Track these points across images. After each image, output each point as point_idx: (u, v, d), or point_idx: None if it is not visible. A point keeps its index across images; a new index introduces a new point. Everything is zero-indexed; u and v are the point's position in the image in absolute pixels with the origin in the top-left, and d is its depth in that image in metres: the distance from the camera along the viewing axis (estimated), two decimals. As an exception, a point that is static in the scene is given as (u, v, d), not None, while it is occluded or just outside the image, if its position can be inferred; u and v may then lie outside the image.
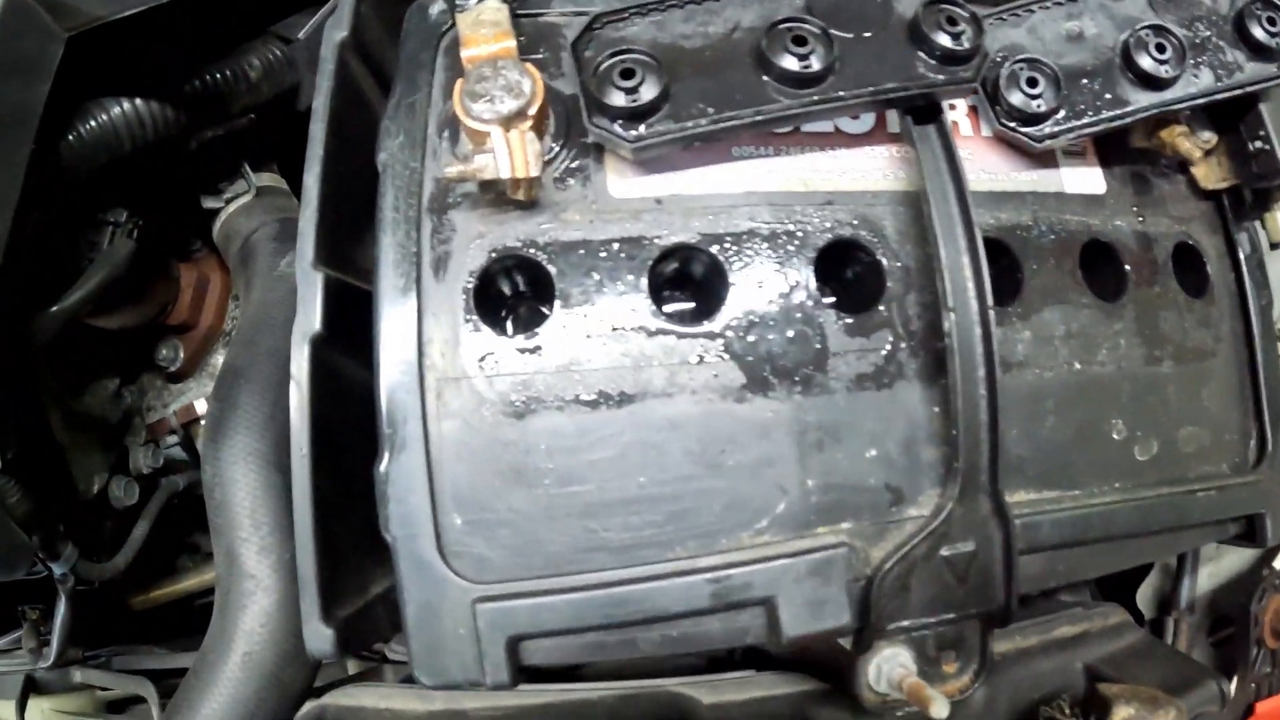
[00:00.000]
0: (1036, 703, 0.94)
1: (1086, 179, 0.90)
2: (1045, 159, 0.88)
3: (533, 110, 0.73)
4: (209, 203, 1.16)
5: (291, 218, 1.14)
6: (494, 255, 0.76)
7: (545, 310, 0.78)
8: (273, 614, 0.92)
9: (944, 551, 0.78)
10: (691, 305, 0.82)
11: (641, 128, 0.74)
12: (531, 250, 0.76)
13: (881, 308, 0.79)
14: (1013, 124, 0.84)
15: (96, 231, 1.02)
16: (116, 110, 0.94)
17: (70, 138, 0.92)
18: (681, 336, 0.76)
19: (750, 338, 0.76)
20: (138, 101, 0.94)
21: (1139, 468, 0.87)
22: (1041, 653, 0.95)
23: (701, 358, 0.76)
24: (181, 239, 1.23)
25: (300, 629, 0.76)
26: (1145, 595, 1.11)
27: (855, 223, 0.80)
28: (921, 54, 0.80)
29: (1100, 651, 0.97)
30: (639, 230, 0.77)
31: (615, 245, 0.77)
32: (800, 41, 0.76)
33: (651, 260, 0.76)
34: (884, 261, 0.79)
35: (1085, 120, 0.85)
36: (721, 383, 0.76)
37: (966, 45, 0.79)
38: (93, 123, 0.93)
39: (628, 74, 0.75)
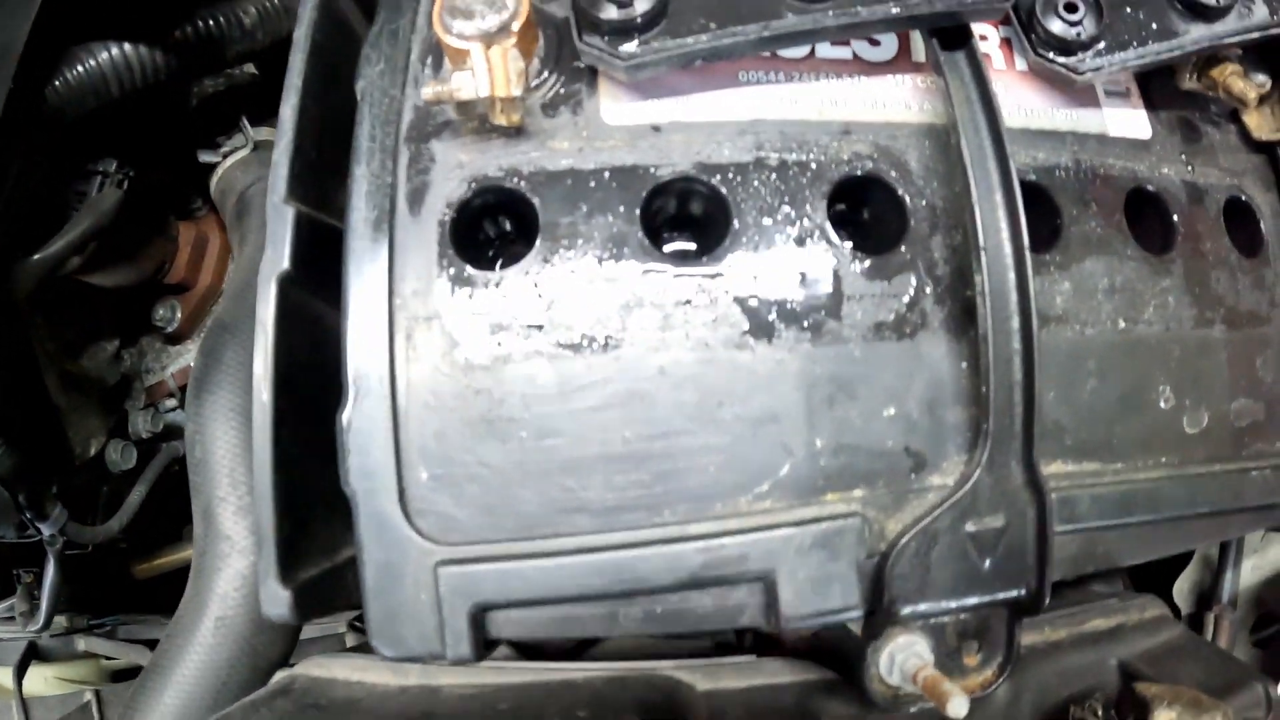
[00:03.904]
0: (1066, 702, 0.77)
1: (1131, 121, 0.74)
2: (1086, 97, 0.73)
3: (516, 25, 0.60)
4: (206, 157, 1.05)
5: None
6: (473, 186, 0.63)
7: (529, 249, 0.65)
8: (248, 577, 0.80)
9: (969, 526, 0.62)
10: (691, 246, 0.68)
11: (635, 44, 0.61)
12: (515, 180, 0.63)
13: (904, 249, 0.64)
14: (1050, 54, 0.69)
15: (84, 181, 0.91)
16: (104, 55, 0.83)
17: (55, 82, 0.82)
18: (677, 275, 0.62)
19: (755, 277, 0.62)
20: (126, 46, 0.83)
21: (1188, 441, 0.70)
22: (1072, 647, 0.78)
23: (699, 299, 0.62)
24: (180, 196, 1.12)
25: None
26: (1183, 589, 0.93)
27: (875, 155, 0.65)
28: (950, -28, 0.66)
29: (1137, 647, 0.80)
30: (634, 159, 0.63)
31: (606, 174, 0.63)
32: (815, -48, 0.63)
33: (646, 191, 0.63)
34: (907, 199, 0.65)
35: (1130, 52, 0.70)
36: (721, 327, 0.61)
37: (1001, -38, 0.65)
38: (79, 67, 0.83)
39: (622, -16, 0.62)
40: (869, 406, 0.62)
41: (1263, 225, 0.78)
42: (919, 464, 0.63)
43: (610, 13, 0.61)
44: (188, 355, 1.11)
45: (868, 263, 0.63)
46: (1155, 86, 0.75)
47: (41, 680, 1.18)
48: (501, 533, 0.60)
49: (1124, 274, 0.69)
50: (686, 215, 0.67)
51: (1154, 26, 0.70)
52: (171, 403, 1.12)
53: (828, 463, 0.62)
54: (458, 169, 0.64)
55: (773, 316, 0.62)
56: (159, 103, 0.88)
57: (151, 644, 1.20)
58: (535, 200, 0.62)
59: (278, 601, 0.64)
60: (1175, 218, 0.72)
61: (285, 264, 0.65)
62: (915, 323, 0.63)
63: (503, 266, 0.68)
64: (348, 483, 0.61)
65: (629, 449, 0.61)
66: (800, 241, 0.63)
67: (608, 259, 0.62)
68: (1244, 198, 0.77)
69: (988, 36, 0.72)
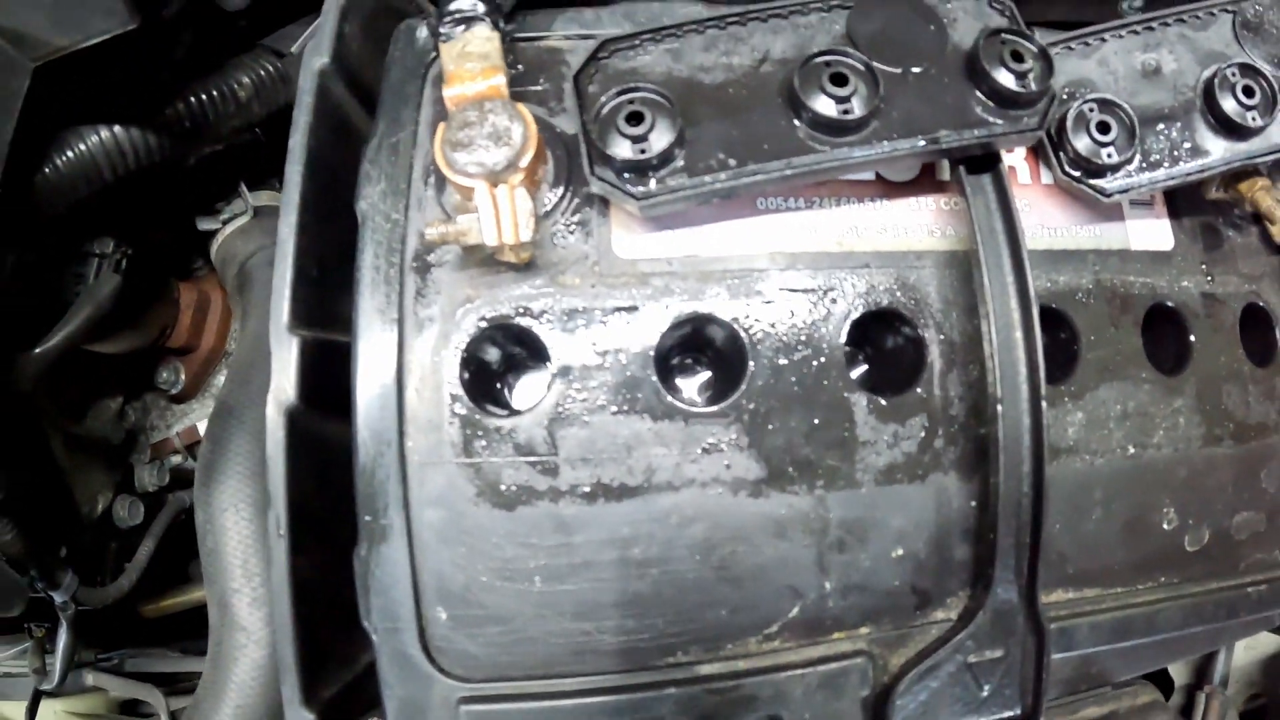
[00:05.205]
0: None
1: (1154, 233, 0.71)
2: (1111, 210, 0.69)
3: (524, 162, 0.56)
4: (205, 224, 1.00)
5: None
6: (483, 325, 0.60)
7: (540, 382, 0.63)
8: (265, 667, 0.80)
9: (970, 659, 0.63)
10: (707, 375, 0.66)
11: (651, 183, 0.57)
12: (525, 319, 0.60)
13: (919, 389, 0.62)
14: (1078, 174, 0.66)
15: (81, 264, 0.87)
16: (95, 139, 0.77)
17: (46, 170, 0.76)
18: (691, 420, 0.60)
19: (770, 424, 0.60)
20: (116, 129, 0.78)
21: (1187, 560, 0.70)
22: (1065, 734, 0.81)
23: (714, 446, 0.60)
24: (181, 257, 1.08)
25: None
26: (1178, 663, 0.96)
27: (895, 289, 0.62)
28: (980, 93, 0.61)
29: (1126, 732, 0.83)
30: (647, 297, 0.60)
31: (620, 314, 0.60)
32: (840, 80, 0.58)
33: (661, 332, 0.60)
34: (925, 335, 0.63)
35: (1160, 172, 0.66)
36: (735, 474, 0.60)
37: (1034, 86, 0.60)
38: (69, 153, 0.77)
39: (635, 119, 0.57)
40: (878, 549, 0.62)
41: (1277, 331, 0.76)
42: (923, 601, 0.63)
43: (624, 149, 0.57)
44: (193, 415, 1.08)
45: (883, 404, 0.61)
46: (1180, 193, 0.72)
47: (51, 715, 1.20)
48: (521, 671, 0.61)
49: (1137, 399, 0.68)
50: (701, 341, 0.65)
51: (1186, 146, 0.66)
52: (177, 458, 1.10)
53: (836, 604, 0.62)
54: (466, 304, 0.61)
55: (787, 462, 0.60)
56: (151, 177, 0.83)
57: (158, 678, 1.21)
58: (548, 342, 0.60)
59: (303, 725, 0.64)
60: (1192, 337, 0.70)
61: (293, 396, 0.63)
62: (927, 464, 0.62)
63: (510, 395, 0.66)
64: (369, 620, 0.61)
65: (642, 592, 0.60)
66: (817, 383, 0.61)
67: (622, 404, 0.59)
68: (1261, 304, 0.75)
69: (1013, 149, 0.68)
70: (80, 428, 1.03)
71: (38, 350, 0.81)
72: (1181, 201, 0.72)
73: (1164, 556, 0.69)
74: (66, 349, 0.83)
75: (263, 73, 0.87)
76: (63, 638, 0.98)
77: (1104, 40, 0.68)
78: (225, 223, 1.01)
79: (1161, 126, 0.66)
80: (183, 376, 1.07)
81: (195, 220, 1.01)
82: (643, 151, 0.56)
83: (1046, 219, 0.68)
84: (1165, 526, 0.69)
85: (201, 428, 1.08)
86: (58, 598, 0.93)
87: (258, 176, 1.02)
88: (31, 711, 1.10)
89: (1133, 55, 0.68)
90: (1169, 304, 0.70)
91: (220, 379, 1.08)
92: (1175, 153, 0.66)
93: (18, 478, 0.86)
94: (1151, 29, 0.68)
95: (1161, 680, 0.92)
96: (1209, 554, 0.70)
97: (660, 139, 0.56)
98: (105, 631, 1.16)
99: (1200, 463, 0.70)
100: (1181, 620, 0.69)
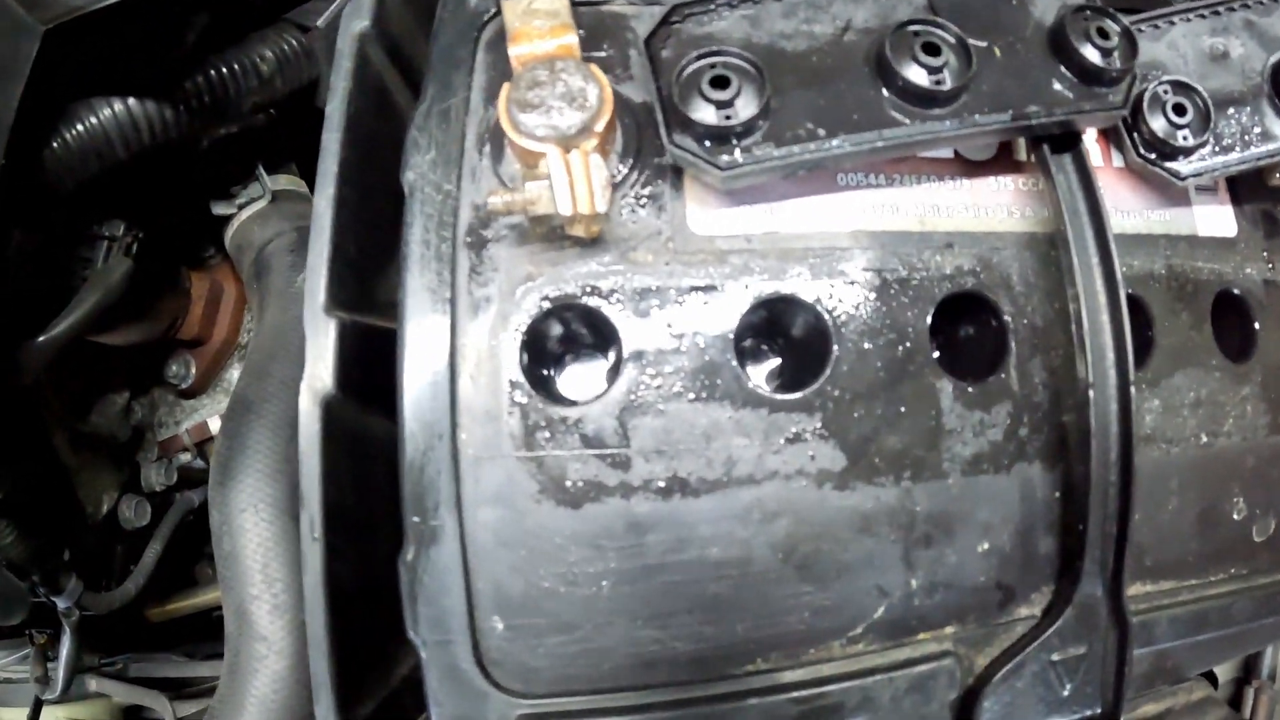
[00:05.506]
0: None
1: (1219, 219, 0.67)
2: (1178, 195, 0.65)
3: (599, 126, 0.50)
4: (220, 209, 0.90)
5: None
6: (546, 304, 0.53)
7: (608, 368, 0.56)
8: (286, 679, 0.71)
9: (1054, 656, 0.58)
10: (776, 363, 0.60)
11: (736, 151, 0.51)
12: (593, 299, 0.53)
13: (1003, 375, 0.57)
14: (1153, 156, 0.61)
15: (90, 248, 0.77)
16: (107, 112, 0.68)
17: (54, 145, 0.67)
18: (774, 409, 0.54)
19: (855, 413, 0.54)
20: (131, 102, 0.68)
21: (1255, 550, 0.67)
22: (1123, 731, 0.76)
23: (797, 435, 0.54)
24: (193, 244, 0.98)
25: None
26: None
27: (978, 270, 0.57)
28: (1065, 70, 0.56)
29: (1182, 729, 0.78)
30: (726, 276, 0.54)
31: (697, 295, 0.54)
32: (932, 50, 0.53)
33: (741, 314, 0.54)
34: (1009, 319, 0.57)
35: (1233, 155, 0.62)
36: (820, 466, 0.54)
37: (1118, 63, 0.56)
38: (80, 127, 0.68)
39: (720, 83, 0.51)
40: (965, 543, 0.56)
41: (1332, 321, 0.72)
42: (1008, 597, 0.58)
43: (708, 115, 0.51)
44: (203, 410, 0.98)
45: (969, 391, 0.56)
46: (1242, 180, 0.68)
47: None
48: (586, 685, 0.53)
49: (1209, 386, 0.64)
50: (772, 330, 0.58)
51: (1256, 131, 0.63)
52: (186, 456, 1.00)
53: (921, 602, 0.56)
54: (527, 283, 0.54)
55: (872, 452, 0.54)
56: (165, 155, 0.73)
57: (164, 683, 1.10)
58: (619, 324, 0.53)
59: (338, 748, 0.56)
60: (1257, 324, 0.66)
61: (330, 384, 0.55)
62: (1013, 453, 0.57)
63: (574, 384, 0.59)
64: (416, 631, 0.53)
65: (718, 595, 0.54)
66: (903, 369, 0.55)
67: (700, 391, 0.53)
68: (1315, 293, 0.72)
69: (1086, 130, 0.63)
70: (85, 424, 0.93)
71: (42, 339, 0.71)
72: (1243, 189, 0.69)
73: (1234, 547, 0.65)
74: (72, 337, 0.73)
75: (286, 47, 0.79)
76: (66, 645, 0.87)
77: (1172, 24, 0.64)
78: (241, 207, 0.91)
79: (1232, 111, 0.63)
80: (193, 370, 0.96)
81: (210, 205, 0.91)
82: (728, 118, 0.50)
83: (1119, 202, 0.63)
84: (1235, 517, 0.65)
85: (213, 424, 0.98)
86: (61, 603, 0.83)
87: (275, 160, 0.93)
88: (34, 717, 0.98)
89: (1201, 39, 0.64)
90: (1235, 291, 0.66)
91: (232, 373, 0.98)
92: (1246, 137, 0.62)
93: (19, 476, 0.76)
94: (1218, 14, 0.65)
95: (1206, 675, 0.88)
96: (1275, 544, 0.67)
97: (747, 106, 0.50)
98: (109, 636, 1.04)
99: (1266, 451, 0.66)
100: (1253, 612, 0.65)
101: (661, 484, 0.53)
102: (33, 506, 0.78)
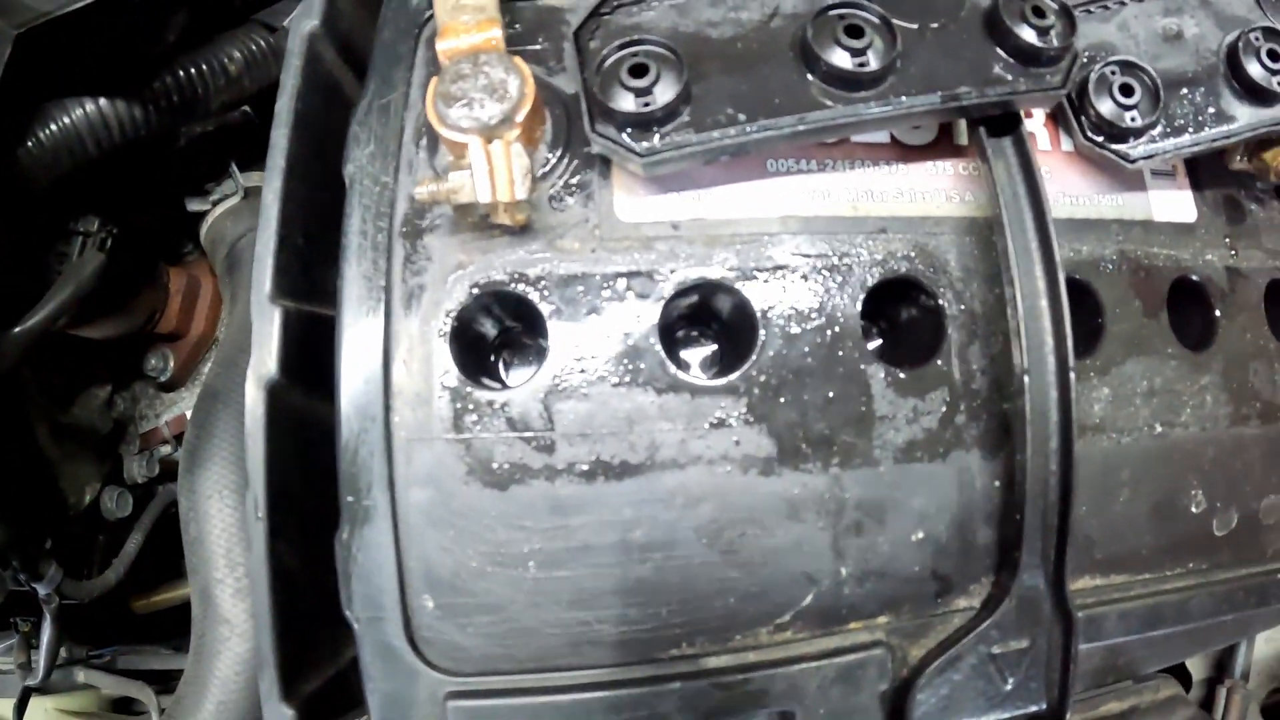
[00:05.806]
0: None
1: (1176, 204, 0.66)
2: (1133, 179, 0.64)
3: (519, 116, 0.51)
4: (194, 205, 0.94)
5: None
6: (475, 292, 0.54)
7: (535, 353, 0.57)
8: (248, 660, 0.73)
9: (994, 649, 0.57)
10: (712, 349, 0.60)
11: (655, 138, 0.52)
12: (521, 285, 0.54)
13: (939, 361, 0.56)
14: (1100, 139, 0.60)
15: (65, 243, 0.81)
16: (79, 111, 0.72)
17: (28, 144, 0.71)
18: (698, 394, 0.54)
19: (782, 398, 0.54)
20: (101, 102, 0.72)
21: (1215, 545, 0.64)
22: (1085, 732, 0.74)
23: (722, 420, 0.54)
24: (169, 240, 1.02)
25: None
26: (1196, 657, 0.89)
27: (913, 255, 0.57)
28: (1000, 51, 0.56)
29: (1148, 728, 0.76)
30: (650, 263, 0.55)
31: (622, 281, 0.54)
32: (855, 32, 0.53)
33: (665, 300, 0.54)
34: (945, 305, 0.57)
35: (1185, 138, 0.61)
36: (744, 451, 0.54)
37: (1055, 43, 0.55)
38: (52, 126, 0.71)
39: (639, 71, 0.52)
40: (897, 532, 0.56)
41: (1302, 308, 0.70)
42: (944, 588, 0.57)
43: (627, 103, 0.51)
44: (182, 403, 1.02)
45: (902, 377, 0.56)
46: (1202, 164, 0.67)
47: (41, 712, 1.13)
48: (513, 664, 0.54)
49: (1164, 375, 0.62)
50: (708, 316, 0.59)
51: (1210, 111, 0.61)
52: (166, 449, 1.04)
53: (852, 591, 0.55)
54: (458, 270, 0.55)
55: (800, 438, 0.54)
56: (142, 151, 0.77)
57: (149, 675, 1.14)
58: (545, 309, 0.54)
59: (282, 721, 0.57)
60: (1217, 311, 0.64)
61: (273, 369, 0.57)
62: (949, 441, 0.56)
63: (504, 368, 0.60)
64: (350, 609, 0.54)
65: (645, 578, 0.54)
66: (831, 354, 0.55)
67: (624, 376, 0.54)
68: (1285, 280, 0.69)
69: (1032, 114, 0.62)
70: (67, 416, 0.97)
71: (17, 329, 0.75)
72: (1203, 173, 0.67)
73: (1193, 541, 0.63)
74: (48, 328, 0.77)
75: (254, 47, 0.82)
76: (47, 632, 0.91)
77: (1124, 4, 0.63)
78: (215, 204, 0.95)
79: (1185, 91, 0.61)
80: (172, 364, 1.00)
81: (185, 201, 0.95)
82: (646, 105, 0.51)
83: (1067, 186, 0.62)
84: (1193, 510, 0.63)
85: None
86: (41, 590, 0.86)
87: (249, 157, 0.96)
88: (20, 709, 1.02)
89: (1153, 20, 0.63)
90: (1193, 278, 0.64)
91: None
92: (1199, 118, 0.61)
93: (1, 466, 0.79)
94: (1173, -7, 0.63)
95: (1179, 674, 0.85)
96: (1237, 539, 0.65)
97: (665, 92, 0.51)
98: (96, 628, 1.08)
99: (1228, 443, 0.64)
100: (1212, 608, 0.63)
101: (585, 467, 0.53)
102: (15, 496, 0.82)
